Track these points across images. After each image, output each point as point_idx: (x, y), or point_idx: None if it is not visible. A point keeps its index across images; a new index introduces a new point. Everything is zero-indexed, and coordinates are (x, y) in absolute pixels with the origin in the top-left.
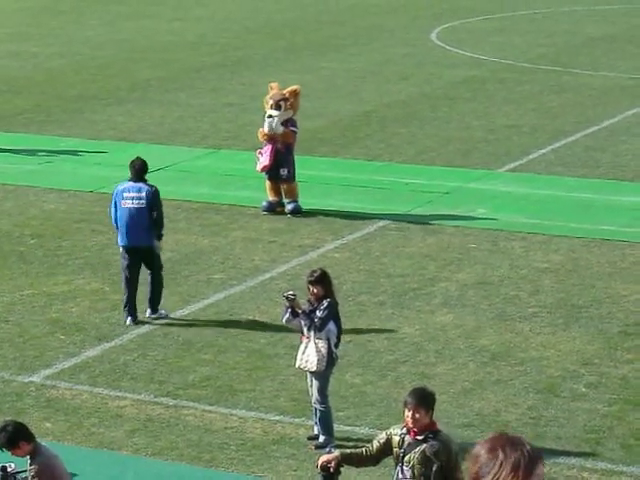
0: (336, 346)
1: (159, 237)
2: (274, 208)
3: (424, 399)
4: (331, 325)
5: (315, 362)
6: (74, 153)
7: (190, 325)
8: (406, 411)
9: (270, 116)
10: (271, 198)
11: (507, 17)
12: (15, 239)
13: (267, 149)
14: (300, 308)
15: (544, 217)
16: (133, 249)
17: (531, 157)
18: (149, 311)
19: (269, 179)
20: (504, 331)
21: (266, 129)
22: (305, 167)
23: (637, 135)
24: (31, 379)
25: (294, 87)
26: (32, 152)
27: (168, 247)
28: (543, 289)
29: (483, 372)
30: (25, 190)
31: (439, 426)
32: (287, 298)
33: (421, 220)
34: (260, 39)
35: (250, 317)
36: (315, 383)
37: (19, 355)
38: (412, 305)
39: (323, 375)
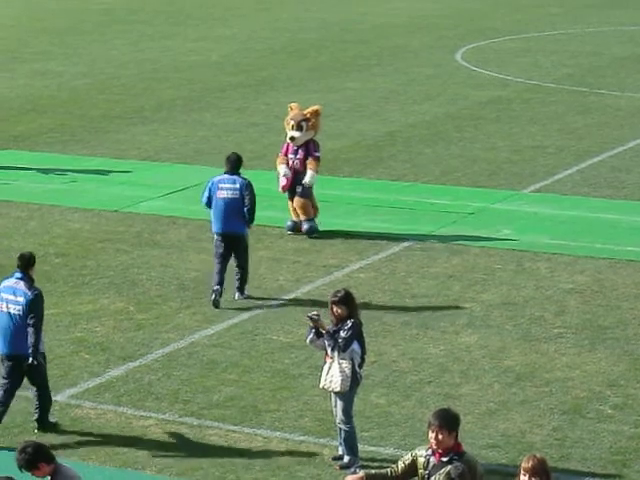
0: (360, 366)
1: (250, 225)
2: (300, 228)
3: (447, 421)
4: (355, 345)
5: (339, 382)
6: (98, 172)
7: (214, 345)
8: (430, 432)
9: (292, 138)
10: (295, 218)
11: (533, 37)
12: (40, 258)
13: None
14: (324, 328)
15: (569, 238)
16: (226, 235)
17: (556, 178)
18: (238, 294)
19: (290, 199)
20: (529, 352)
21: (307, 180)
22: (329, 187)
23: None
24: (55, 398)
25: (315, 107)
26: (56, 171)
27: (193, 267)
28: (568, 310)
29: (508, 393)
30: (50, 209)
31: (464, 447)
32: (311, 318)
33: (446, 240)
34: (284, 59)
35: (274, 337)
36: (339, 403)
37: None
38: (437, 325)
39: (347, 395)
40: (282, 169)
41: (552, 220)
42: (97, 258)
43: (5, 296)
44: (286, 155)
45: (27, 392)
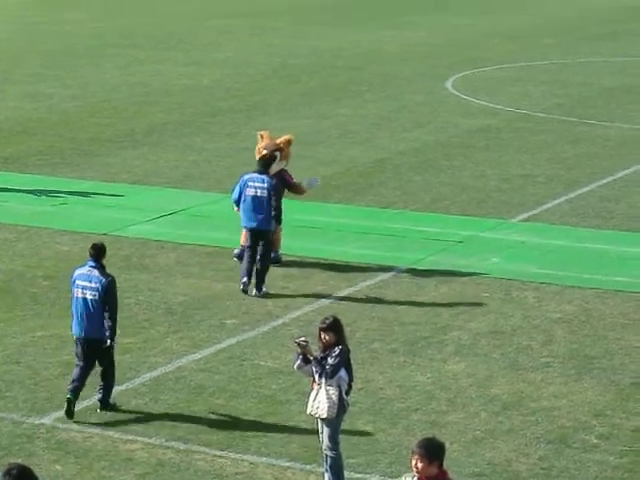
0: (347, 393)
1: (278, 222)
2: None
3: (429, 450)
4: (342, 372)
5: (326, 409)
6: (88, 195)
7: (202, 370)
8: (412, 460)
9: None
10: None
11: (523, 67)
12: (28, 280)
13: None
14: (312, 355)
15: (557, 267)
16: (253, 231)
17: (545, 207)
18: (255, 291)
19: None
20: (516, 381)
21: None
22: (319, 214)
23: None
24: (42, 421)
25: (287, 136)
26: (46, 194)
27: (181, 291)
28: (556, 339)
29: (494, 421)
30: (38, 231)
31: (450, 475)
32: (299, 344)
33: (434, 268)
34: (276, 84)
35: (262, 363)
36: (326, 430)
37: (30, 397)
38: (424, 353)
39: (334, 422)
40: None
41: (540, 249)
42: None
43: (81, 283)
44: None
45: (12, 415)
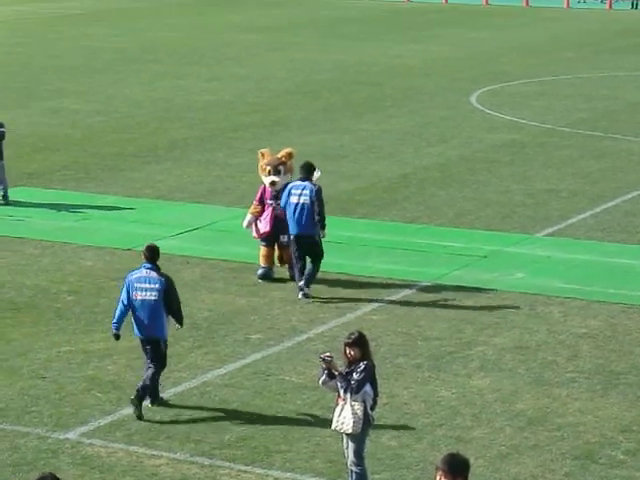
0: (372, 408)
1: (322, 227)
2: (271, 275)
3: (452, 466)
4: (367, 387)
5: (351, 424)
6: (112, 210)
7: (227, 385)
8: (437, 476)
9: (273, 182)
10: (266, 264)
11: (547, 81)
12: (52, 295)
13: (267, 215)
14: (337, 370)
15: (583, 282)
16: (298, 237)
17: (570, 222)
18: (300, 294)
19: (266, 246)
20: (541, 396)
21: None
22: (343, 228)
23: None
24: (67, 436)
25: (288, 150)
26: (70, 209)
27: (206, 306)
28: (581, 354)
29: (520, 437)
30: (62, 247)
31: None
32: (324, 360)
33: (459, 284)
34: (298, 99)
35: (287, 378)
36: (351, 445)
37: (55, 412)
38: (449, 368)
39: (359, 437)
40: (250, 218)
41: (565, 264)
42: (110, 296)
43: (140, 285)
44: (261, 201)
45: (38, 430)
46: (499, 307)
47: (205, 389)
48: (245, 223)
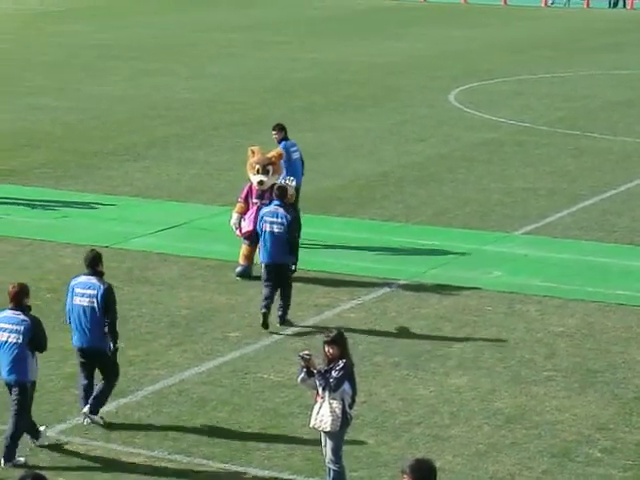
0: (350, 407)
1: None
2: (250, 273)
3: (420, 472)
4: (346, 386)
5: (329, 422)
6: (90, 208)
7: (205, 383)
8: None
9: (261, 182)
10: (245, 263)
11: (525, 80)
12: (31, 293)
13: (250, 213)
14: (315, 368)
15: (560, 281)
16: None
17: (548, 220)
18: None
19: (249, 245)
20: (519, 394)
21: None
22: (322, 227)
23: None
24: (46, 433)
25: (279, 150)
26: (48, 206)
27: (184, 304)
28: (558, 353)
29: (498, 435)
30: (41, 244)
31: None
32: (302, 358)
33: (437, 282)
34: (278, 98)
35: (265, 376)
36: (329, 443)
37: (33, 409)
38: (427, 367)
39: (337, 435)
40: (236, 217)
41: (543, 263)
42: None
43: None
44: (246, 200)
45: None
46: (477, 305)
47: (183, 387)
48: (232, 221)
